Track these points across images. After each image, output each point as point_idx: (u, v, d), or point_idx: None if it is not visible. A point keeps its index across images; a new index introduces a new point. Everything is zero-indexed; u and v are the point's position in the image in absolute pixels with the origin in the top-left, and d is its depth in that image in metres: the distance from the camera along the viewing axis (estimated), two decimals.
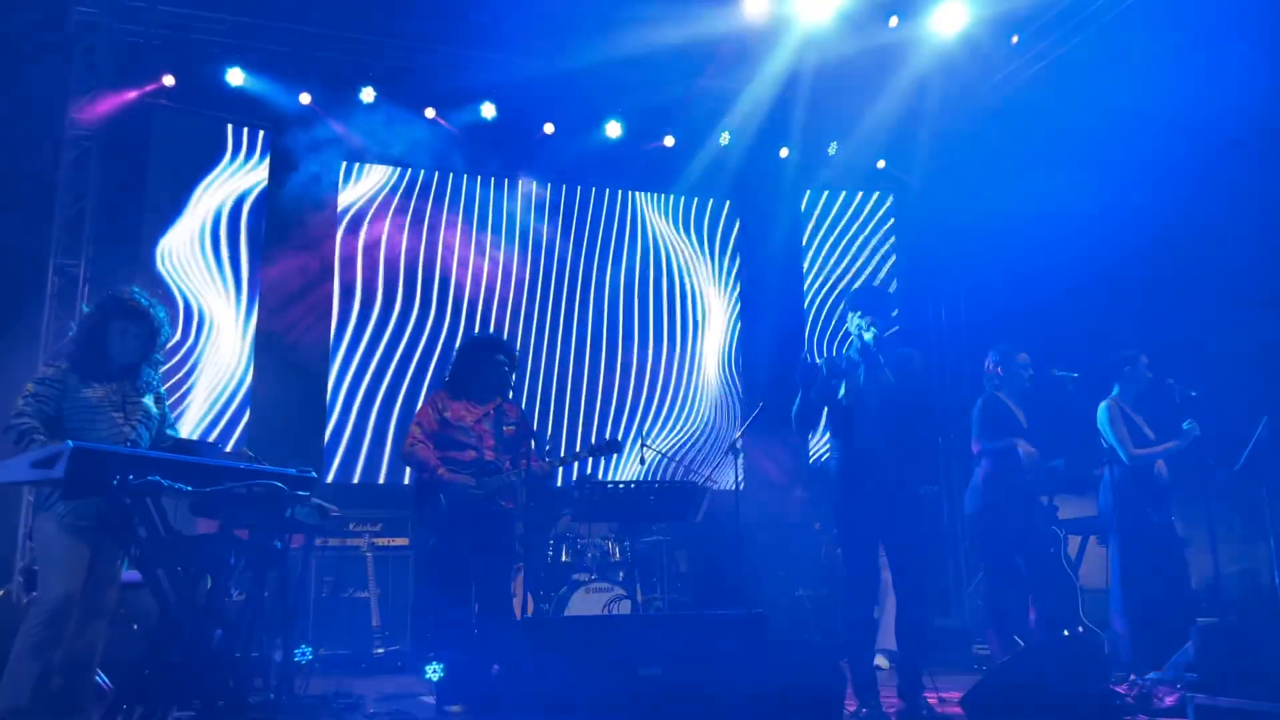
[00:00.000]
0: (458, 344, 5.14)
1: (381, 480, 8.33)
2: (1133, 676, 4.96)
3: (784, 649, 3.96)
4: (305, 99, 8.20)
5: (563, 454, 5.03)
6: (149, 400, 3.95)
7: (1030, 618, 5.13)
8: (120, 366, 3.85)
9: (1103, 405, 5.49)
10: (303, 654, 4.17)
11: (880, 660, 6.24)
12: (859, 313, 4.53)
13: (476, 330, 8.61)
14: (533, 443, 4.93)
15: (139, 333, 3.85)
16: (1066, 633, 5.03)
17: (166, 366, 7.68)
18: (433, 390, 5.06)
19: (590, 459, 5.04)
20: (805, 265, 9.80)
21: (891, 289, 9.63)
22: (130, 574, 4.41)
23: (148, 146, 7.96)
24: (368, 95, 8.28)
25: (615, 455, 5.05)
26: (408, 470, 8.02)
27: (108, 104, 7.67)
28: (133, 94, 7.78)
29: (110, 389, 3.81)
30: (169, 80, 7.83)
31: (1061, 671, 3.99)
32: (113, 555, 3.77)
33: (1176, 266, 7.40)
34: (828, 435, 4.73)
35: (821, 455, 9.27)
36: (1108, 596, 6.18)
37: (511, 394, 4.92)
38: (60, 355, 3.89)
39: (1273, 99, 6.58)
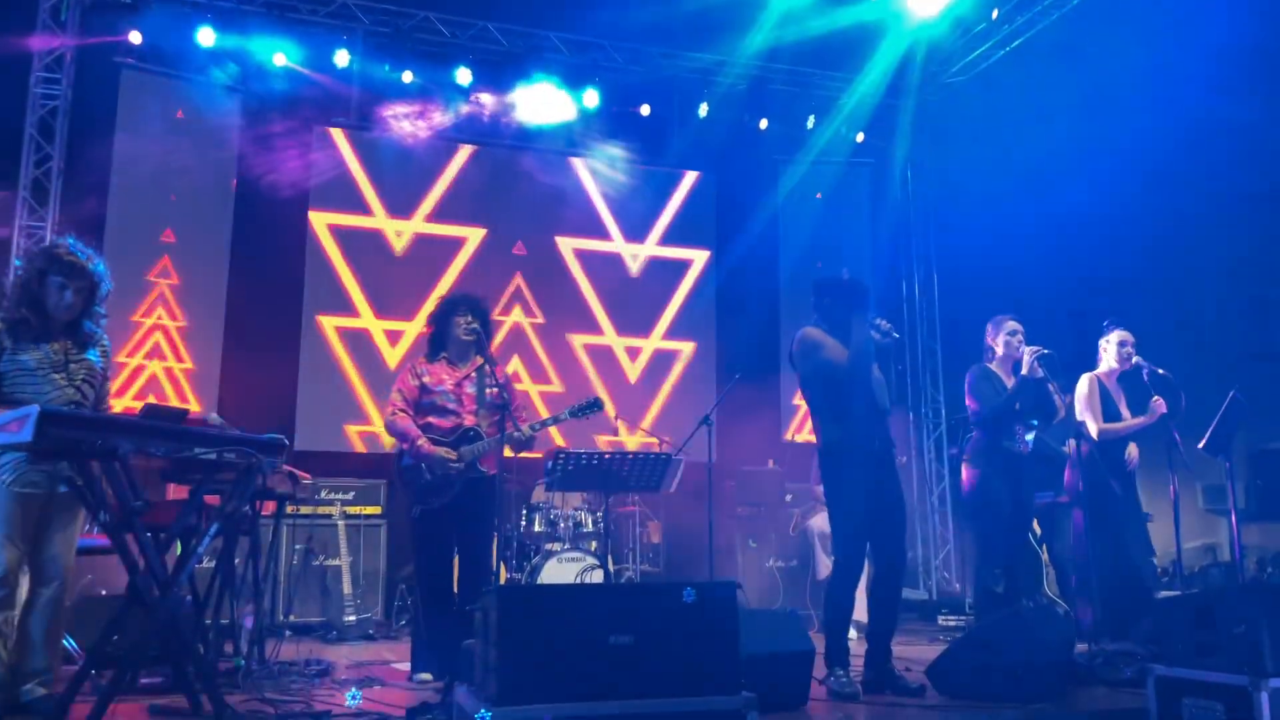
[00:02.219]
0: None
1: (354, 449, 8.30)
2: (1094, 647, 5.07)
3: (754, 618, 3.99)
4: (280, 60, 8.06)
5: (543, 418, 4.99)
6: (93, 355, 3.80)
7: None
8: (60, 324, 3.70)
9: (1081, 379, 5.53)
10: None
11: (850, 631, 6.31)
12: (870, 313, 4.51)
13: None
14: (519, 410, 4.91)
15: (78, 287, 3.68)
16: (1030, 604, 5.09)
17: (133, 322, 7.59)
18: (412, 357, 4.99)
19: (573, 419, 4.97)
20: (782, 238, 9.79)
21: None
22: (98, 539, 4.38)
23: (115, 107, 7.81)
24: (342, 59, 8.18)
25: (593, 415, 4.98)
26: (380, 439, 8.00)
27: (74, 63, 7.52)
28: (100, 52, 7.63)
29: (52, 348, 3.66)
30: (136, 39, 7.68)
31: (1025, 642, 4.05)
32: (64, 520, 3.69)
33: (1152, 243, 7.48)
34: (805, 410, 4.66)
35: (795, 433, 9.32)
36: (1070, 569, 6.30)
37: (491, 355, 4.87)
38: None
39: (1243, 79, 6.64)
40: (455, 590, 4.93)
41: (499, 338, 8.73)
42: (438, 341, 4.89)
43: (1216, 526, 7.58)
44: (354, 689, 3.62)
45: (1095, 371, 5.58)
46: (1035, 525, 6.21)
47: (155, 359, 7.75)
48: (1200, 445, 5.35)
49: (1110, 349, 5.56)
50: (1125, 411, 5.46)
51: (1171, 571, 6.15)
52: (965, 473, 5.25)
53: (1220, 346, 7.08)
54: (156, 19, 7.76)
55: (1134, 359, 5.46)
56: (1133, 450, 5.41)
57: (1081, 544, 5.40)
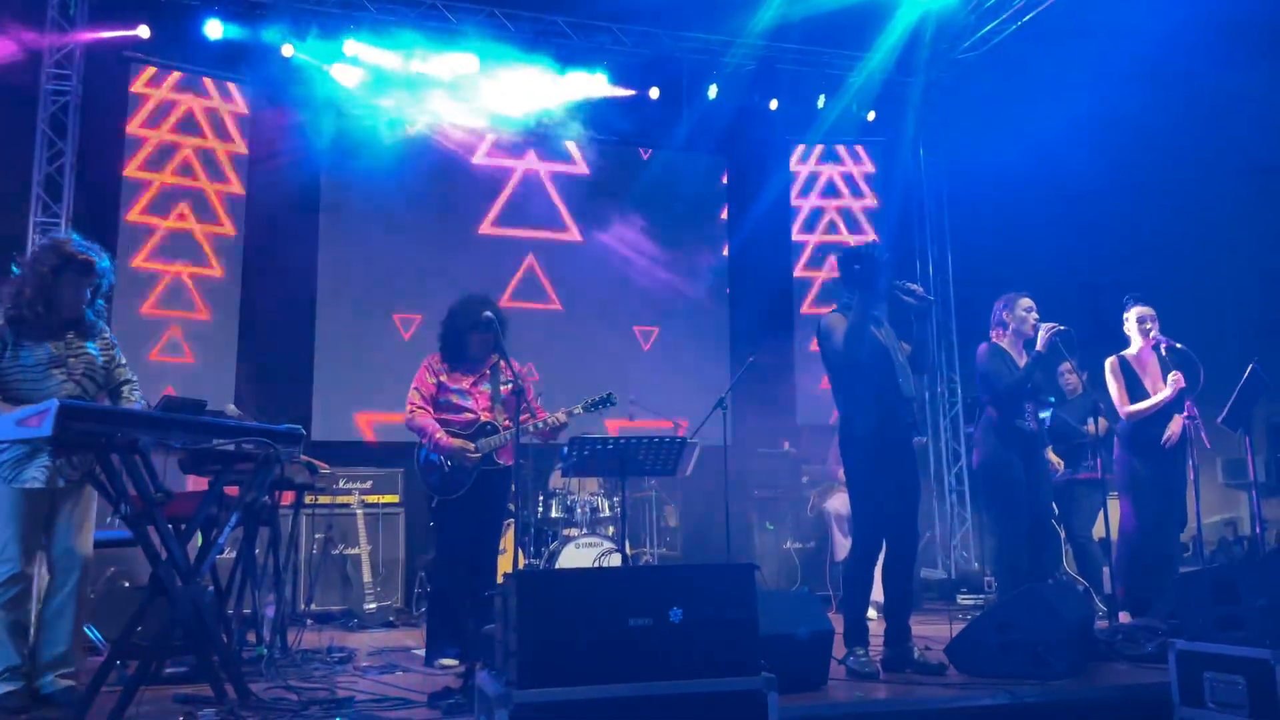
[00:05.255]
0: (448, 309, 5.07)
1: (370, 438, 8.32)
2: (1115, 622, 5.06)
3: (773, 600, 4.00)
4: (287, 50, 8.05)
5: (559, 410, 5.03)
6: (93, 347, 3.82)
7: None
8: (64, 319, 3.72)
9: (1105, 363, 5.51)
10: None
11: (869, 611, 6.32)
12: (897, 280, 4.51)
13: (464, 286, 8.54)
14: (536, 399, 4.99)
15: (89, 284, 3.73)
16: (1051, 581, 5.08)
17: (147, 317, 7.63)
18: (428, 354, 5.07)
19: (587, 413, 5.06)
20: (793, 218, 9.74)
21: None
22: (121, 532, 4.42)
23: (126, 102, 7.83)
24: (350, 48, 8.16)
25: (606, 409, 5.07)
26: (396, 428, 8.03)
27: (84, 58, 7.54)
28: (109, 47, 7.65)
29: (53, 345, 3.69)
30: (145, 33, 7.69)
31: (1045, 619, 4.05)
32: (72, 512, 3.71)
33: (1166, 217, 7.42)
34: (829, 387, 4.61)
35: (812, 414, 9.30)
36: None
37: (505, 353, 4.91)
38: None
39: (1256, 53, 6.56)
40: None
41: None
42: (455, 350, 4.96)
43: (1237, 501, 7.55)
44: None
45: (1124, 351, 5.55)
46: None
47: (171, 352, 7.78)
48: (1219, 419, 5.32)
49: (1130, 325, 5.53)
50: (1161, 385, 5.42)
51: (1192, 546, 6.13)
52: (977, 451, 5.21)
53: (1238, 319, 7.03)
54: (164, 13, 7.77)
55: (1152, 334, 5.43)
56: (1174, 426, 5.35)
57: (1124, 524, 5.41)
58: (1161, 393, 5.36)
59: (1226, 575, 3.63)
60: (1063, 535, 6.45)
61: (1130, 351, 5.54)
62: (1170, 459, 5.37)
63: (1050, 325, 4.91)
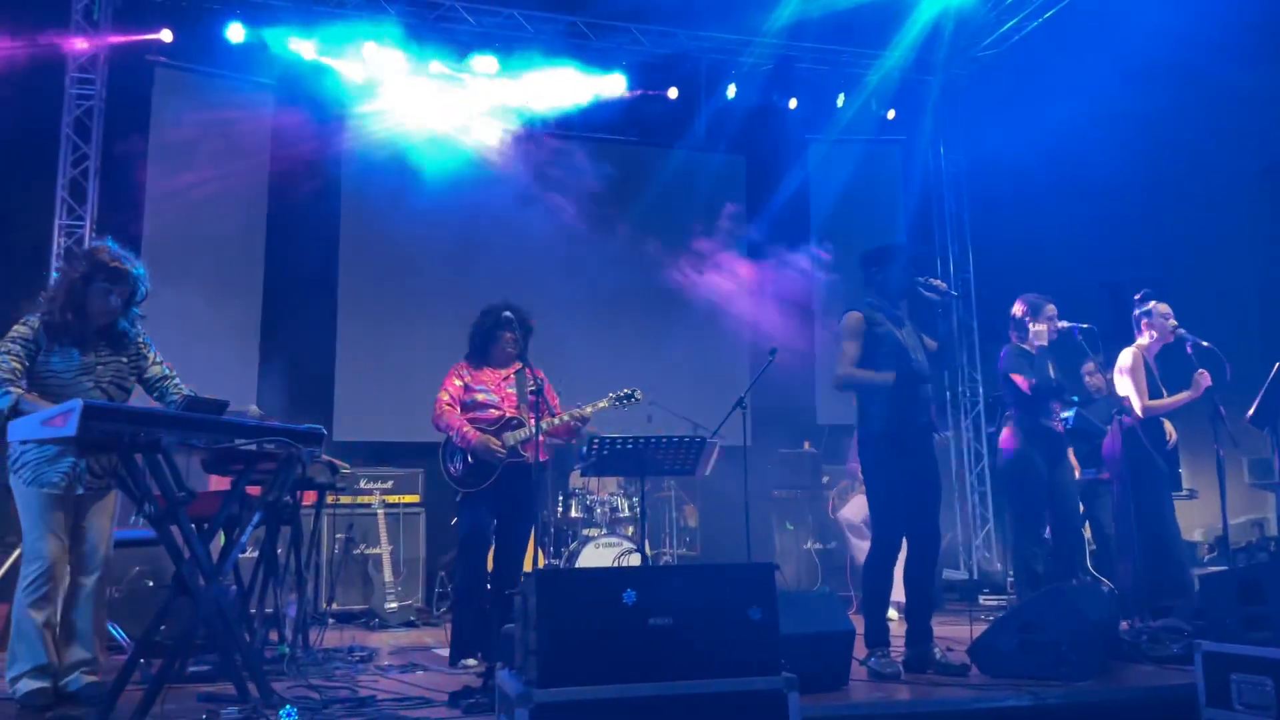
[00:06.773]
0: (478, 313, 5.14)
1: (392, 438, 8.34)
2: (1138, 623, 5.00)
3: (794, 600, 3.98)
4: (309, 53, 8.09)
5: (585, 405, 5.07)
6: (126, 358, 3.84)
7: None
8: (96, 327, 3.74)
9: (1124, 352, 5.43)
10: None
11: (890, 612, 6.28)
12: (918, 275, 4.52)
13: (485, 284, 8.55)
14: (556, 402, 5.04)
15: (121, 292, 3.74)
16: (1075, 581, 5.04)
17: (170, 317, 7.68)
18: (455, 361, 5.14)
19: (611, 408, 5.11)
20: (814, 218, 9.70)
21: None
22: (145, 531, 4.46)
23: (149, 106, 7.89)
24: (371, 50, 8.19)
25: (630, 405, 5.12)
26: (417, 428, 8.05)
27: (108, 62, 7.61)
28: (133, 51, 7.71)
29: (85, 352, 3.71)
30: (168, 36, 7.74)
31: (1069, 619, 4.01)
32: (96, 513, 3.75)
33: (1189, 214, 7.34)
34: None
35: (833, 413, 9.26)
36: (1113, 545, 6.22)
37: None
38: (31, 315, 3.69)
39: (1268, 49, 6.49)
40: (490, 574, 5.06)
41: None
42: (481, 349, 5.08)
43: (1263, 501, 7.45)
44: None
45: (1136, 345, 5.48)
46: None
47: (193, 352, 7.83)
48: (1247, 418, 5.25)
49: (1154, 322, 5.45)
50: (1161, 387, 5.37)
51: (1217, 547, 6.06)
52: (1002, 450, 5.19)
53: (1260, 317, 6.94)
54: (187, 16, 7.84)
55: (1178, 331, 5.36)
56: (1170, 428, 5.32)
57: (1124, 519, 5.34)
58: (1187, 392, 5.30)
59: (1253, 576, 3.59)
60: (1088, 535, 6.39)
61: (1144, 344, 5.48)
62: (1171, 459, 5.37)
63: (1075, 325, 4.92)
